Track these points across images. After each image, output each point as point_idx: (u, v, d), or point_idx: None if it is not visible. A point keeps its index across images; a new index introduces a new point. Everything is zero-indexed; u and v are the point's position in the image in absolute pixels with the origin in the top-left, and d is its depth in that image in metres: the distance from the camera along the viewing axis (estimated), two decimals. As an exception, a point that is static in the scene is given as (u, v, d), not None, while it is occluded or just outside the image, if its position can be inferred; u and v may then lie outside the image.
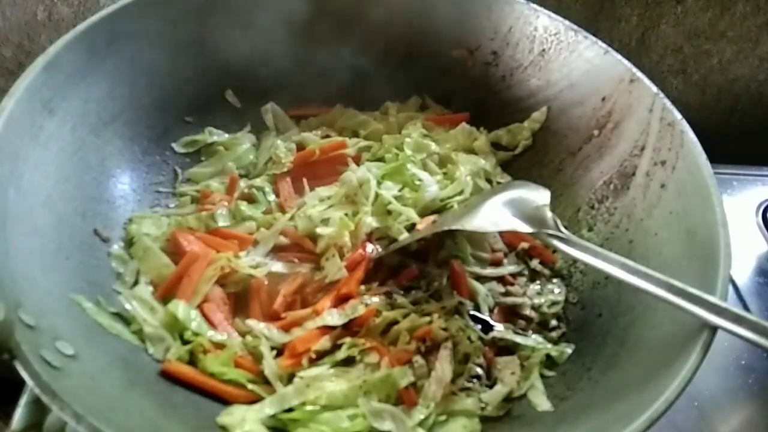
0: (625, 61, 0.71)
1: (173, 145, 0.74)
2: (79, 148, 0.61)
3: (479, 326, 0.64)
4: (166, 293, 0.61)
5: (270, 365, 0.57)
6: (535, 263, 0.72)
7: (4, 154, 0.51)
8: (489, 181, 0.77)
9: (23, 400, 0.57)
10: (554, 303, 0.68)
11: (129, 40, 0.66)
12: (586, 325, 0.65)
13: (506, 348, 0.64)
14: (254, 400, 0.55)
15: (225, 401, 0.55)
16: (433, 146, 0.76)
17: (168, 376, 0.56)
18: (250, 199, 0.72)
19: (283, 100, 0.80)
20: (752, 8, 1.02)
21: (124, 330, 0.57)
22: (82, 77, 0.61)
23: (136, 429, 0.46)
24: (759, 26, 1.04)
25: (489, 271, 0.70)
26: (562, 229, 0.57)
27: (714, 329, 0.48)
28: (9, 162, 0.52)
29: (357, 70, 0.78)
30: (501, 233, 0.73)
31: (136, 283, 0.62)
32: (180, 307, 0.59)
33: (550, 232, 0.57)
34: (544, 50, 0.76)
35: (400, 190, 0.71)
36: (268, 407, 0.54)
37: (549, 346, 0.63)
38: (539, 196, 0.62)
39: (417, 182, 0.72)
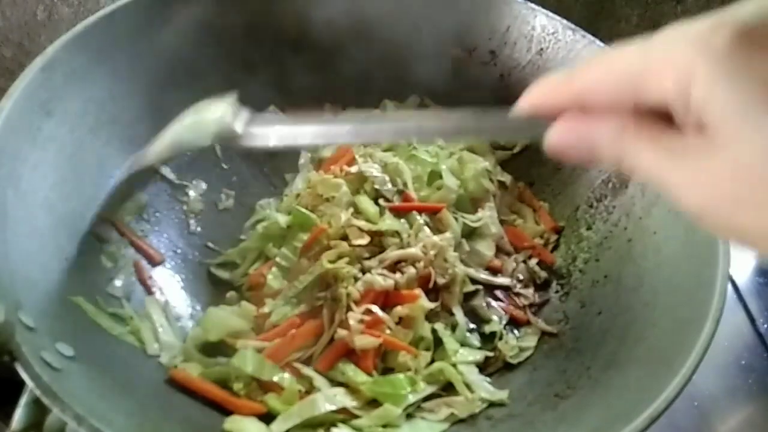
0: (624, 61, 0.70)
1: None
2: (77, 149, 0.61)
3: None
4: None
5: None
6: (533, 263, 0.72)
7: (2, 155, 0.51)
8: (490, 180, 0.77)
9: (23, 401, 0.57)
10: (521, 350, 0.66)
11: (127, 41, 0.66)
12: (585, 324, 0.65)
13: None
14: (257, 412, 0.55)
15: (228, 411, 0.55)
16: (440, 141, 0.75)
17: (172, 382, 0.56)
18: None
19: (283, 99, 0.80)
20: (752, 8, 1.02)
21: (124, 331, 0.57)
22: (81, 78, 0.61)
23: (137, 430, 0.46)
24: (758, 25, 1.04)
25: (483, 275, 0.69)
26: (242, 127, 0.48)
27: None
28: (7, 163, 0.52)
29: (354, 70, 0.78)
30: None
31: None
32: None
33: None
34: (542, 49, 0.76)
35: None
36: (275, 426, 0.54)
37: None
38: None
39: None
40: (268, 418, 0.55)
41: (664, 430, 0.47)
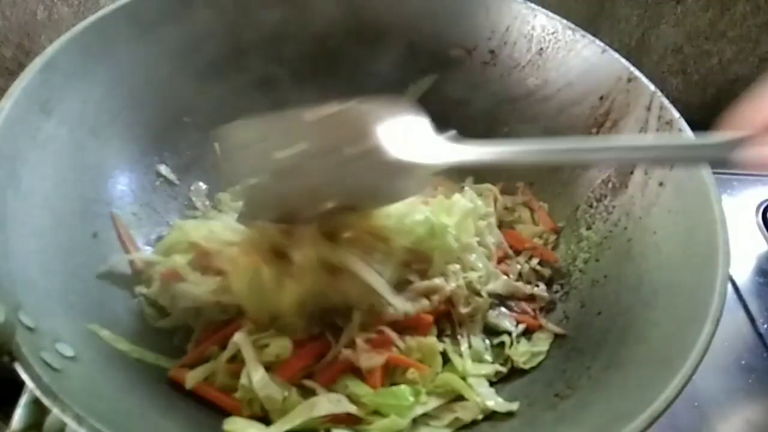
0: (623, 60, 0.71)
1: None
2: (77, 149, 0.61)
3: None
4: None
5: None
6: (534, 263, 0.72)
7: (1, 155, 0.51)
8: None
9: (23, 401, 0.57)
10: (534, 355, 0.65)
11: (127, 41, 0.66)
12: (585, 324, 0.65)
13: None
14: (257, 414, 0.55)
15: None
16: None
17: (172, 382, 0.56)
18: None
19: (281, 99, 0.80)
20: (752, 8, 1.02)
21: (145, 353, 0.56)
22: (80, 78, 0.61)
23: (137, 430, 0.46)
24: (759, 26, 1.04)
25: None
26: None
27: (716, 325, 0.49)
28: (7, 164, 0.52)
29: (353, 70, 0.79)
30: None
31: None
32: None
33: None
34: (541, 49, 0.76)
35: None
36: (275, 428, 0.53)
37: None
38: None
39: None
40: (267, 419, 0.55)
41: (664, 430, 0.47)
